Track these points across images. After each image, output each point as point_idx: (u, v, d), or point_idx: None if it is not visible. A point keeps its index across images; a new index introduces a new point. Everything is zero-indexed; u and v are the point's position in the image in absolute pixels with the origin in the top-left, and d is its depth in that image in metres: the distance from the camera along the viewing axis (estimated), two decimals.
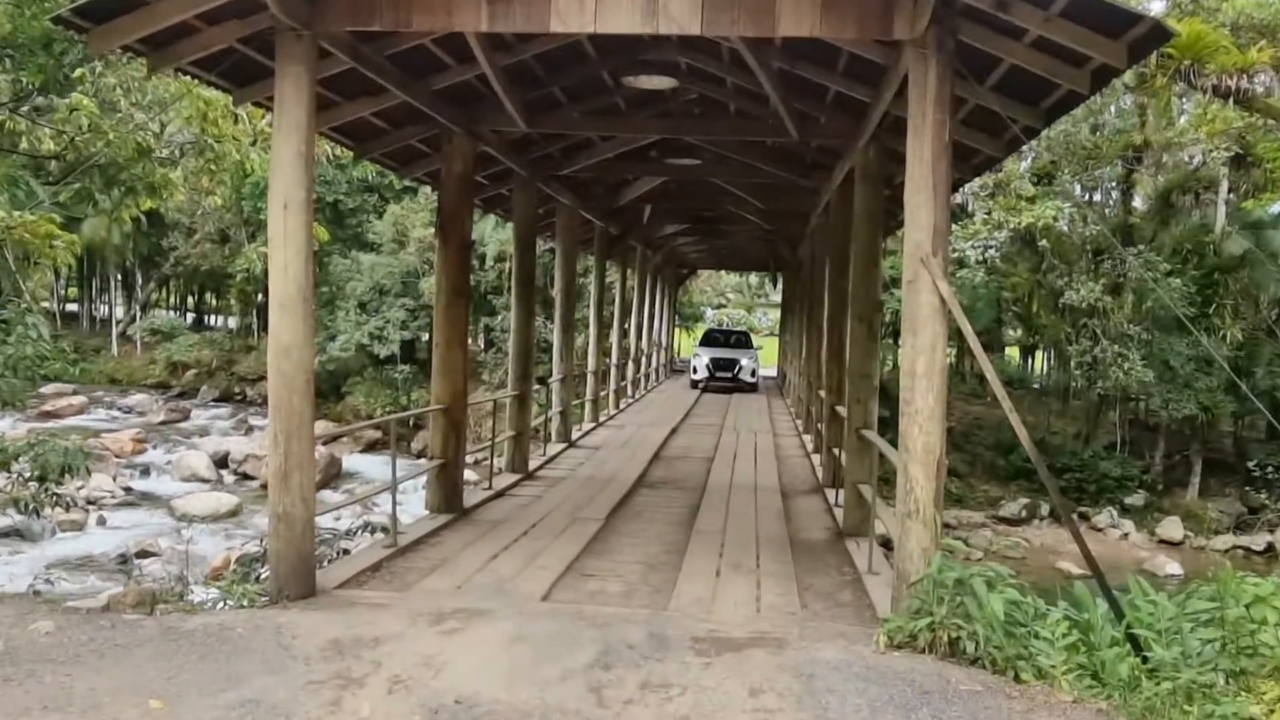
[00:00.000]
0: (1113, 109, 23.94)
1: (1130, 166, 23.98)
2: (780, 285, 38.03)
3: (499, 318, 30.45)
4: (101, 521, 18.56)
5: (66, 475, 8.53)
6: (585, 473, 12.41)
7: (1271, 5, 16.52)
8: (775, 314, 51.45)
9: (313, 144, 6.29)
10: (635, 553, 8.12)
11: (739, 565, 7.70)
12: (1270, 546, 20.37)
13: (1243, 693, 4.54)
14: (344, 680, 4.64)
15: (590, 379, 18.28)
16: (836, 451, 10.50)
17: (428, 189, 21.39)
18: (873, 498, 7.75)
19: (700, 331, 39.61)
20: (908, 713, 4.39)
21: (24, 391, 8.48)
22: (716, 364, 26.79)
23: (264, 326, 32.67)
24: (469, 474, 12.35)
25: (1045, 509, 21.66)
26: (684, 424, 18.43)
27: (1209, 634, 4.89)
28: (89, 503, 19.30)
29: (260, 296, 36.78)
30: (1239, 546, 20.62)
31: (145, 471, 23.65)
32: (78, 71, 10.25)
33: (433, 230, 24.95)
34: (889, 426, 7.46)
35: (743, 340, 30.46)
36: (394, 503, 7.96)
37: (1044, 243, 22.47)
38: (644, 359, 26.15)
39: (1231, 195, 23.26)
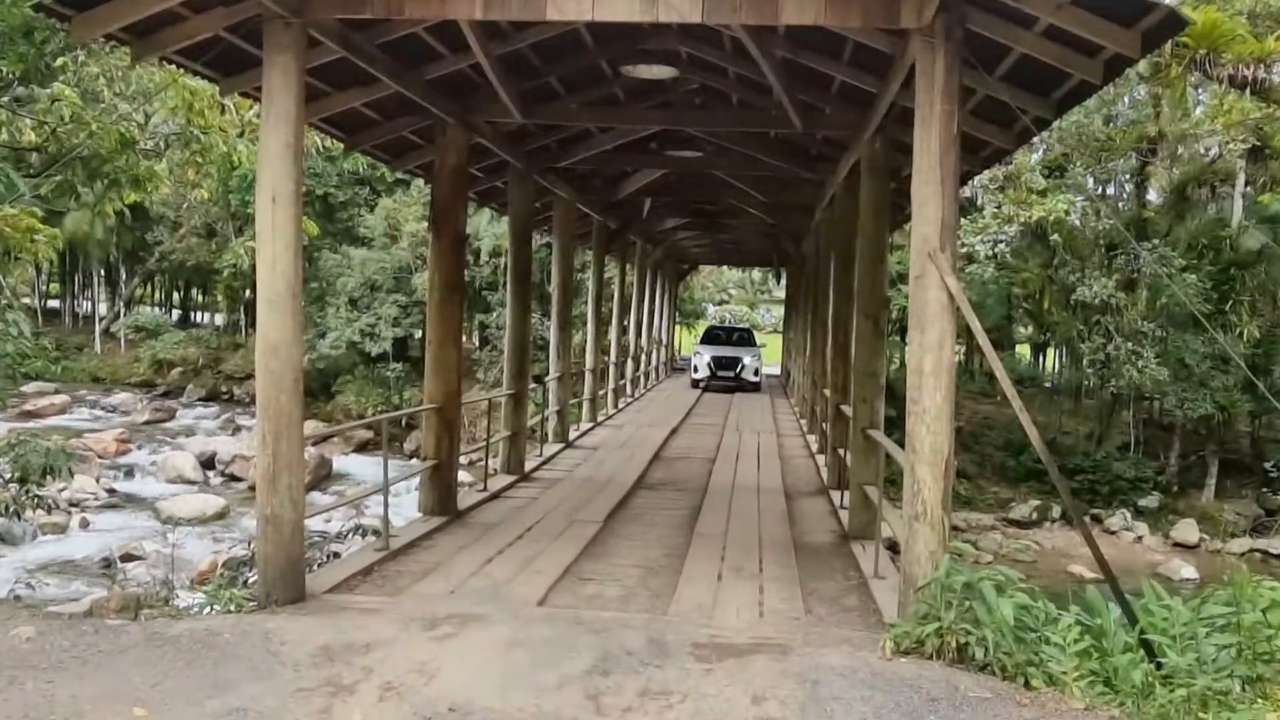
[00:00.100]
0: (1126, 100, 23.97)
1: (1144, 159, 24.00)
2: (784, 281, 38.09)
3: (494, 314, 30.46)
4: (84, 524, 18.55)
5: (48, 477, 8.55)
6: (583, 474, 12.41)
7: None
8: (779, 310, 51.49)
9: (302, 135, 6.28)
10: (634, 556, 8.13)
11: (741, 569, 7.70)
12: None
13: (1259, 700, 4.55)
14: (334, 687, 4.64)
15: (588, 377, 18.28)
16: (842, 452, 10.50)
17: (420, 182, 21.36)
18: (879, 499, 7.75)
19: (701, 329, 39.56)
20: None
21: (4, 390, 8.50)
22: (718, 363, 26.73)
23: (252, 323, 32.75)
24: (463, 475, 12.37)
25: (1056, 511, 21.68)
26: (685, 423, 18.44)
27: (1225, 639, 4.90)
28: (71, 505, 19.32)
29: (248, 292, 36.82)
30: (1256, 549, 20.65)
31: (129, 473, 23.64)
32: (60, 60, 10.24)
33: (426, 224, 24.94)
34: (896, 426, 7.48)
35: (745, 338, 30.39)
36: (386, 505, 7.97)
37: (1055, 237, 22.49)
38: (643, 357, 26.15)
39: (1249, 188, 23.30)
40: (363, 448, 27.36)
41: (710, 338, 30.32)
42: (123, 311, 44.35)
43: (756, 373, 27.03)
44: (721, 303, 64.17)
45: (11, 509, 8.57)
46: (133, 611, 6.30)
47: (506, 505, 10.23)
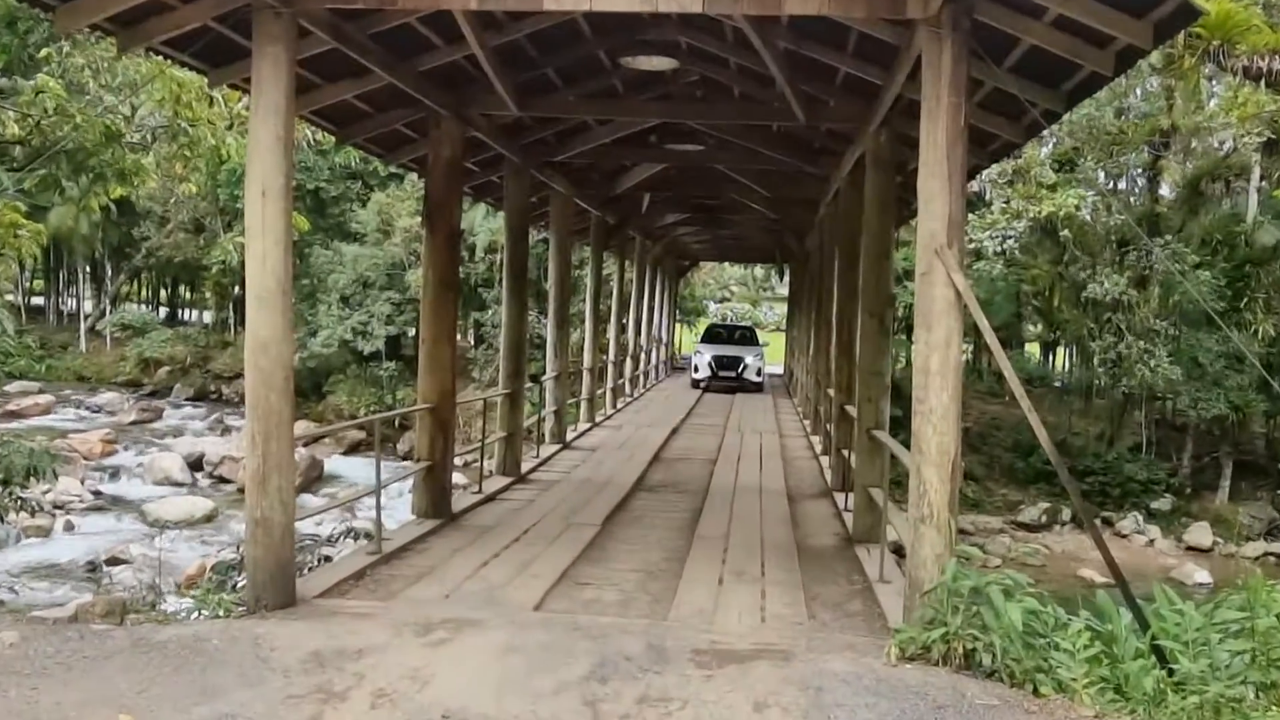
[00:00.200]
0: (1138, 92, 23.96)
1: (1157, 153, 23.99)
2: (787, 278, 38.08)
3: (490, 312, 30.45)
4: (69, 527, 18.56)
5: (32, 478, 8.56)
6: (581, 475, 12.42)
7: None
8: (781, 308, 51.51)
9: (292, 128, 6.29)
10: (633, 560, 8.14)
11: (743, 573, 7.71)
12: None
13: (1273, 707, 4.55)
14: (325, 694, 4.65)
15: (586, 376, 18.30)
16: (846, 453, 10.52)
17: (414, 176, 21.36)
18: (884, 502, 7.76)
19: (702, 327, 39.54)
20: None
21: None
22: (719, 362, 26.68)
23: (241, 321, 32.69)
24: (458, 477, 12.39)
25: (1066, 514, 21.69)
26: (685, 424, 18.45)
27: (1238, 645, 4.90)
28: (56, 507, 19.32)
29: (237, 289, 36.77)
30: (1271, 553, 20.68)
31: (115, 474, 23.64)
32: (44, 51, 10.26)
33: (419, 219, 24.97)
34: (901, 427, 7.47)
35: (747, 336, 30.33)
36: (378, 507, 7.96)
37: (1066, 233, 22.47)
38: (643, 355, 26.16)
39: (1264, 183, 23.27)
40: (355, 449, 27.35)
41: (711, 336, 30.20)
42: (108, 309, 44.32)
43: (759, 373, 26.97)
44: (723, 300, 64.15)
45: None
46: (119, 616, 6.31)
47: (502, 508, 10.24)
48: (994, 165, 14.10)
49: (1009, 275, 24.87)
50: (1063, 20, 5.49)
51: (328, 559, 12.56)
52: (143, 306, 51.89)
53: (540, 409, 15.05)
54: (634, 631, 5.87)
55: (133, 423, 30.89)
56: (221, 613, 6.05)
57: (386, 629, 5.65)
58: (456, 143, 9.23)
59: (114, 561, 15.78)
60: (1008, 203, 21.75)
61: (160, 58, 8.16)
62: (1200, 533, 21.38)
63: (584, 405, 17.99)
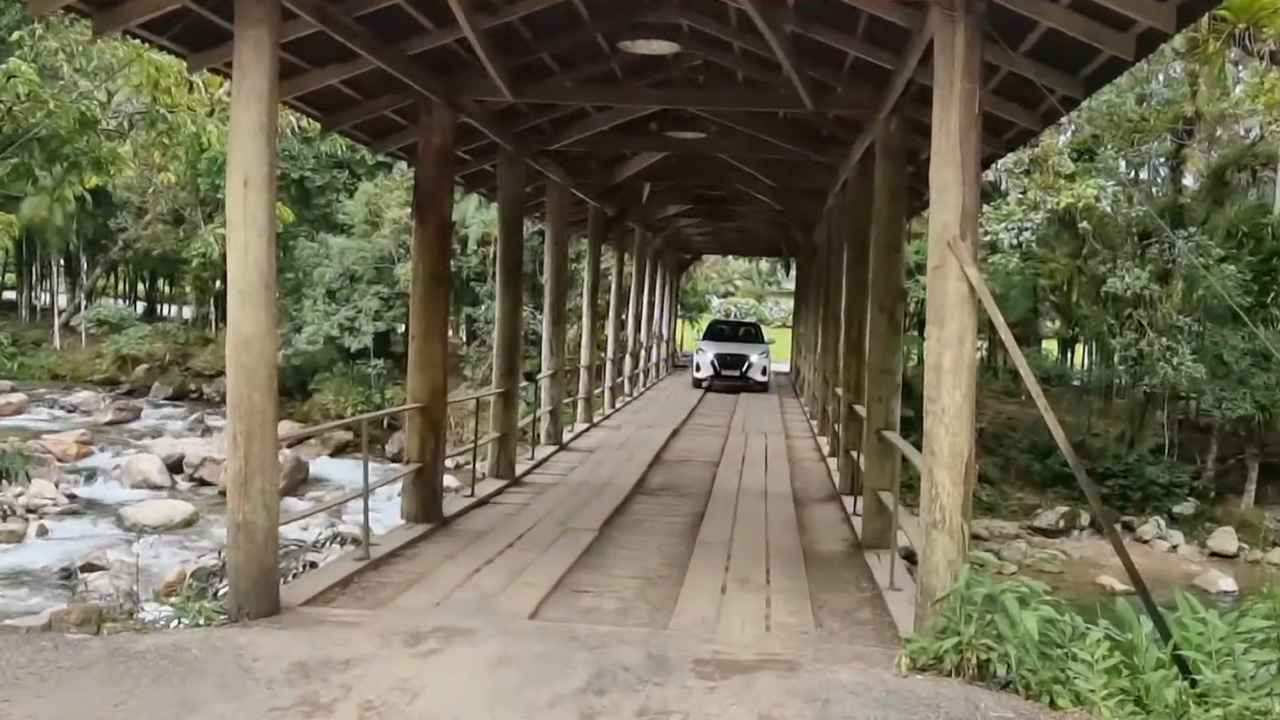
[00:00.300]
0: (1161, 77, 23.94)
1: (1180, 141, 24.00)
2: (793, 272, 38.07)
3: (483, 307, 30.47)
4: (43, 532, 18.57)
5: (3, 481, 8.56)
6: (578, 478, 12.43)
7: None
8: (788, 303, 51.49)
9: (276, 115, 6.29)
10: (632, 566, 8.14)
11: (747, 580, 7.72)
12: None
13: None
14: (310, 706, 4.65)
15: (583, 375, 18.29)
16: (855, 455, 10.52)
17: (404, 165, 21.36)
18: (894, 506, 7.76)
19: (705, 323, 39.53)
20: None
21: None
22: (723, 361, 26.62)
23: (222, 316, 32.76)
24: (449, 480, 12.42)
25: (1086, 518, 21.70)
26: (687, 424, 18.47)
27: (1265, 655, 4.90)
28: (29, 511, 19.32)
29: (218, 284, 36.81)
30: None
31: (91, 477, 23.67)
32: (15, 34, 10.26)
33: (409, 210, 24.96)
34: (913, 428, 7.48)
35: (752, 333, 30.29)
36: (366, 511, 7.97)
37: (1085, 225, 22.48)
38: (643, 353, 26.17)
39: None
40: (342, 450, 27.36)
41: (714, 333, 30.07)
42: (84, 304, 44.34)
43: (764, 371, 26.92)
44: (727, 295, 64.26)
45: None
46: (95, 625, 6.32)
47: (496, 512, 10.24)
48: (1010, 154, 14.08)
49: (1025, 269, 24.87)
50: (1081, 2, 5.49)
51: (313, 565, 12.56)
52: (120, 301, 51.89)
53: (535, 409, 15.06)
54: (633, 641, 5.88)
55: (109, 423, 30.90)
56: (202, 621, 6.05)
57: (374, 639, 5.66)
58: (448, 130, 9.23)
59: (90, 568, 15.78)
60: (1024, 193, 21.75)
61: (137, 41, 8.16)
62: (1225, 538, 21.38)
63: (581, 405, 18.00)
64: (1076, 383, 32.52)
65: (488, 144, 11.70)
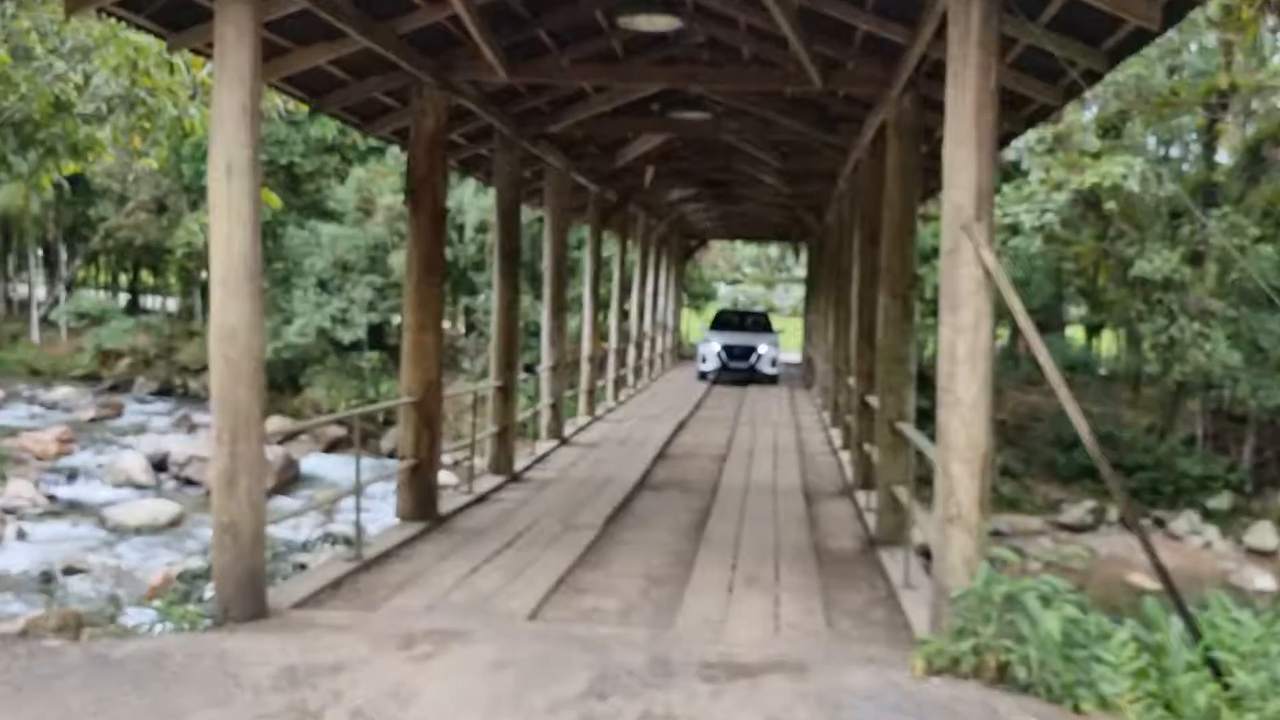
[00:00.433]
0: (1193, 47, 23.86)
1: (1214, 115, 23.89)
2: (803, 257, 38.04)
3: (480, 297, 30.49)
4: (21, 534, 18.63)
5: None
6: (579, 474, 12.47)
7: None
8: (798, 290, 51.49)
9: (259, 97, 6.30)
10: (636, 565, 8.17)
11: (755, 579, 7.74)
12: None
13: None
14: (299, 713, 4.67)
15: (585, 367, 18.32)
16: (868, 448, 10.53)
17: (397, 149, 21.37)
18: (909, 501, 7.77)
19: (711, 311, 39.50)
20: None
21: None
22: (730, 352, 26.57)
23: (208, 308, 32.73)
24: (446, 476, 12.43)
25: (1114, 514, 21.67)
26: (693, 417, 18.50)
27: None
28: (7, 512, 19.39)
29: (203, 274, 36.83)
30: None
31: (72, 476, 23.72)
32: None
33: (402, 197, 24.98)
34: (929, 419, 7.48)
35: (761, 323, 30.20)
36: (358, 510, 8.00)
37: (1111, 205, 22.40)
38: (647, 344, 26.18)
39: None
40: (333, 446, 27.40)
41: (721, 323, 29.95)
42: (63, 296, 44.45)
43: (774, 363, 26.84)
44: (734, 282, 64.18)
45: None
46: (74, 631, 6.35)
47: (494, 509, 10.28)
48: (1030, 131, 14.06)
49: (1049, 252, 24.79)
50: None
51: (303, 567, 12.61)
52: (101, 293, 52.03)
53: (535, 402, 15.08)
54: (636, 643, 5.90)
55: (91, 420, 30.99)
56: (186, 626, 6.07)
57: (366, 642, 5.67)
58: (441, 112, 9.23)
59: (70, 571, 15.85)
60: (1047, 172, 21.68)
61: (114, 20, 8.16)
62: (1263, 534, 21.30)
63: (583, 398, 18.04)
64: (1103, 371, 32.47)
65: (483, 127, 11.71)
